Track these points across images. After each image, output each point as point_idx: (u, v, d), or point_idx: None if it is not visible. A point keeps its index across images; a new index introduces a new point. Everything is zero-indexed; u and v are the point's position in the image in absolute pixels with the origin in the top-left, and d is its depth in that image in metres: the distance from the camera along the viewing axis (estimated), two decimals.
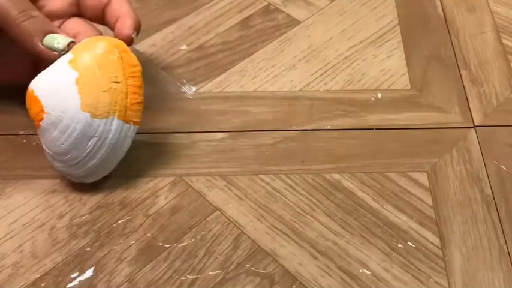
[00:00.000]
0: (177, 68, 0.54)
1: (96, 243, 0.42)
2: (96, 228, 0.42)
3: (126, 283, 0.40)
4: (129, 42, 0.46)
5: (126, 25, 0.46)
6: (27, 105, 0.43)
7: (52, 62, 0.43)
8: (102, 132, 0.41)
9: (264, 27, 0.57)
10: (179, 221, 0.43)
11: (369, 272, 0.40)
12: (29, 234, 0.42)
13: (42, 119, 0.42)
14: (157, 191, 0.45)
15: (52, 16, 0.47)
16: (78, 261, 0.41)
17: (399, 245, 0.42)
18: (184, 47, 0.56)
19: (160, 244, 0.42)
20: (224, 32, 0.57)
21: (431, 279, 0.40)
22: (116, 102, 0.41)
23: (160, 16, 0.58)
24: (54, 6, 0.48)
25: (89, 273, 0.40)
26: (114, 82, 0.41)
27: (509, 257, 0.41)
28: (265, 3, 0.60)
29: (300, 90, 0.52)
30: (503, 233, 0.42)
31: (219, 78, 0.53)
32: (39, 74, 0.43)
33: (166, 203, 0.44)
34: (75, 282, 0.40)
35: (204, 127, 0.49)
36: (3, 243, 0.42)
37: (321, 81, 0.52)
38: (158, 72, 0.53)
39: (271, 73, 0.53)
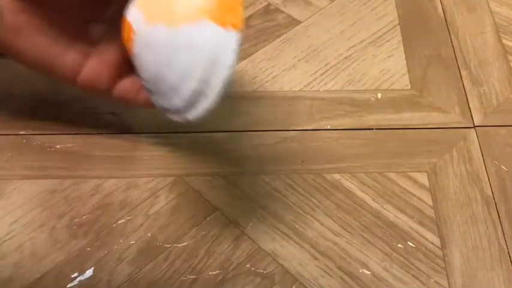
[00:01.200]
0: None
1: (96, 243, 0.42)
2: (96, 228, 0.42)
3: (126, 283, 0.40)
4: None
5: None
6: (122, 35, 0.36)
7: None
8: (194, 41, 0.32)
9: (264, 27, 0.57)
10: (179, 221, 0.43)
11: (369, 272, 0.40)
12: (29, 234, 0.42)
13: (132, 40, 0.34)
14: (157, 191, 0.45)
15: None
16: (78, 261, 0.41)
17: (399, 245, 0.42)
18: None
19: (160, 244, 0.42)
20: None
21: (431, 279, 0.40)
22: (205, 2, 0.32)
23: None
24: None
25: (89, 273, 0.40)
26: None
27: (509, 257, 0.41)
28: (265, 3, 0.60)
29: (300, 90, 0.52)
30: (503, 233, 0.42)
31: None
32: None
33: (166, 203, 0.44)
34: (75, 282, 0.40)
35: (204, 127, 0.49)
36: (3, 243, 0.42)
37: (321, 81, 0.52)
38: None
39: (271, 73, 0.53)
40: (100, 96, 0.42)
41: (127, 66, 0.39)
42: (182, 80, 0.34)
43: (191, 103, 0.35)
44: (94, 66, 0.41)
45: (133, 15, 0.34)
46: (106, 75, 0.41)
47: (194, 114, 0.35)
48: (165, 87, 0.34)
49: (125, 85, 0.41)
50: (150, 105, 0.39)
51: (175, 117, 0.36)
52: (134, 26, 0.34)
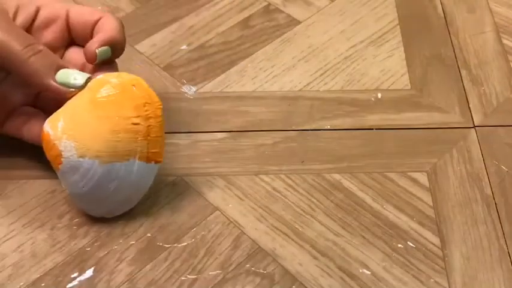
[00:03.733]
0: (177, 68, 0.54)
1: (96, 243, 0.42)
2: (96, 228, 0.42)
3: (126, 283, 0.40)
4: (91, 58, 0.42)
5: (94, 39, 0.42)
6: (44, 147, 0.41)
7: (64, 99, 0.41)
8: (123, 175, 0.40)
9: (264, 27, 0.57)
10: (179, 221, 0.43)
11: (369, 272, 0.40)
12: (29, 234, 0.42)
13: (61, 163, 0.40)
14: (157, 191, 0.45)
15: (49, 49, 0.42)
16: (78, 261, 0.41)
17: (399, 245, 0.42)
18: (184, 47, 0.56)
19: (160, 244, 0.42)
20: (224, 32, 0.57)
21: (431, 279, 0.40)
22: (136, 145, 0.40)
23: (160, 16, 0.58)
24: (47, 38, 0.44)
25: (89, 273, 0.40)
26: (133, 124, 0.39)
27: (509, 257, 0.41)
28: (265, 3, 0.60)
29: (300, 90, 0.52)
30: (503, 233, 0.42)
31: (219, 78, 0.53)
32: (53, 114, 0.41)
33: (166, 203, 0.44)
34: (75, 282, 0.40)
35: (204, 127, 0.49)
36: (3, 243, 0.42)
37: (321, 81, 0.52)
38: (158, 72, 0.53)
39: (271, 73, 0.53)
40: None
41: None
42: (110, 199, 0.41)
43: (114, 210, 0.42)
44: None
45: (63, 144, 0.40)
46: None
47: (115, 215, 0.43)
48: (92, 203, 0.42)
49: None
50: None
51: (94, 214, 0.43)
52: (64, 154, 0.40)
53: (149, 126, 0.40)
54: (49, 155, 0.41)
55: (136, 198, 0.42)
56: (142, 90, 0.41)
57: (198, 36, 0.57)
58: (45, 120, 0.41)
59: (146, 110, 0.40)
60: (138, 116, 0.40)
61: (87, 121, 0.39)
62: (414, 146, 0.48)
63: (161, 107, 0.41)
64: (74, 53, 0.45)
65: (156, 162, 0.41)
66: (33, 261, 0.41)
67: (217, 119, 0.49)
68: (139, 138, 0.40)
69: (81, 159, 0.39)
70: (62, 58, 0.45)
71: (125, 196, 0.41)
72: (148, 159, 0.40)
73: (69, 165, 0.40)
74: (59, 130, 0.40)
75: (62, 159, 0.40)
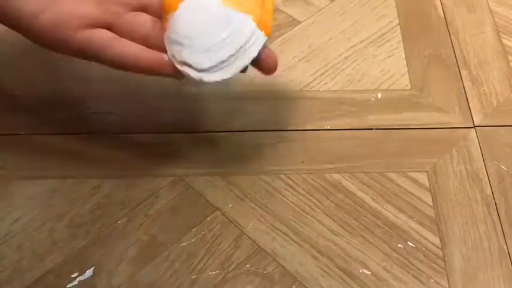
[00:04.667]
0: None
1: (96, 243, 0.42)
2: (96, 228, 0.42)
3: (126, 283, 0.40)
4: None
5: None
6: None
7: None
8: (237, 27, 0.41)
9: None
10: (179, 221, 0.43)
11: (369, 272, 0.40)
12: (29, 234, 0.42)
13: (182, 1, 0.41)
14: (157, 191, 0.45)
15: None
16: (78, 261, 0.41)
17: (399, 245, 0.42)
18: None
19: (160, 244, 0.42)
20: None
21: (431, 280, 0.40)
22: (253, 6, 0.41)
23: None
24: None
25: (89, 273, 0.40)
26: None
27: (509, 257, 0.41)
28: None
29: (300, 90, 0.52)
30: (503, 233, 0.42)
31: None
32: None
33: (166, 203, 0.44)
34: (75, 282, 0.40)
35: (204, 127, 0.49)
36: (3, 243, 0.42)
37: (321, 81, 0.52)
38: None
39: None
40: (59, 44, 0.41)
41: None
42: (220, 46, 0.40)
43: (215, 68, 0.41)
44: (62, 12, 0.41)
45: None
46: (68, 22, 0.40)
47: (211, 79, 0.41)
48: (203, 46, 0.40)
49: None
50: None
51: (192, 74, 0.41)
52: None
53: (264, 0, 0.42)
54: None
55: (237, 62, 0.41)
56: None
57: None
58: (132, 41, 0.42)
59: None
60: None
61: None
62: (414, 146, 0.48)
63: None
64: None
65: (266, 34, 0.42)
66: (33, 261, 0.41)
67: (217, 119, 0.49)
68: (258, 3, 0.42)
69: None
70: None
71: (230, 51, 0.41)
72: (259, 25, 0.41)
73: (192, 3, 0.41)
74: None
75: None
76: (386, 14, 0.59)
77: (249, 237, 0.42)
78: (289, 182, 0.45)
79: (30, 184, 0.45)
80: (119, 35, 0.42)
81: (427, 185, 0.45)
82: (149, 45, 0.42)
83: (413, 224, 0.43)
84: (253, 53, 0.41)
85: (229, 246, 0.42)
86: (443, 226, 0.43)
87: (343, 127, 0.49)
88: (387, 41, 0.56)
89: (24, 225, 0.43)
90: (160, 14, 0.42)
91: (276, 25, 0.57)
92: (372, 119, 0.49)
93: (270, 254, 0.41)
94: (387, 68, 0.54)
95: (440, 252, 0.41)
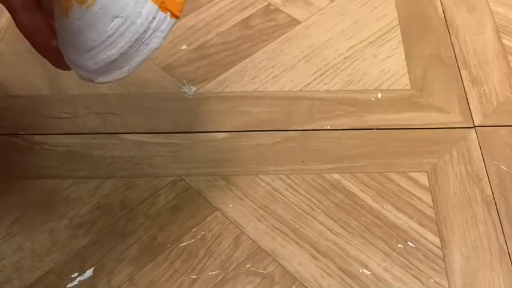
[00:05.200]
0: (177, 68, 0.54)
1: (96, 243, 0.42)
2: (96, 228, 0.42)
3: (126, 283, 0.40)
4: None
5: None
6: None
7: None
8: (129, 13, 0.32)
9: (264, 27, 0.57)
10: (179, 221, 0.43)
11: (369, 272, 0.40)
12: (29, 234, 0.42)
13: None
14: (157, 191, 0.45)
15: None
16: (78, 261, 0.41)
17: (399, 245, 0.42)
18: (184, 47, 0.56)
19: (160, 244, 0.42)
20: (224, 32, 0.57)
21: (431, 279, 0.40)
22: None
23: None
24: None
25: (89, 273, 0.40)
26: None
27: (509, 257, 0.41)
28: (265, 3, 0.60)
29: (300, 90, 0.52)
30: (503, 233, 0.42)
31: (219, 78, 0.53)
32: None
33: (166, 203, 0.44)
34: (75, 282, 0.40)
35: (204, 127, 0.49)
36: (3, 243, 0.42)
37: (321, 81, 0.52)
38: (158, 72, 0.53)
39: (271, 73, 0.53)
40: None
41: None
42: (107, 44, 0.33)
43: (104, 70, 0.34)
44: None
45: None
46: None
47: (103, 80, 0.35)
48: (84, 46, 0.33)
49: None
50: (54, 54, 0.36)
51: (81, 74, 0.35)
52: None
53: None
54: None
55: (135, 58, 0.34)
56: None
57: (198, 36, 0.57)
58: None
59: None
60: None
61: None
62: (414, 146, 0.48)
63: None
64: None
65: (173, 15, 0.33)
66: (33, 261, 0.41)
67: (217, 119, 0.49)
68: None
69: None
70: None
71: (124, 47, 0.33)
72: (163, 8, 0.33)
73: None
74: None
75: None
76: (386, 14, 0.59)
77: (249, 237, 0.42)
78: (289, 182, 0.45)
79: (30, 184, 0.45)
80: None
81: (427, 185, 0.45)
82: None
83: (413, 224, 0.43)
84: (154, 45, 0.33)
85: (229, 246, 0.42)
86: (443, 226, 0.43)
87: (343, 127, 0.49)
88: (387, 41, 0.56)
89: (24, 225, 0.43)
90: None
91: (276, 25, 0.58)
92: (372, 119, 0.49)
93: (270, 254, 0.41)
94: (387, 68, 0.54)
95: (440, 252, 0.41)
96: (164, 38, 0.33)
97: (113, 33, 0.33)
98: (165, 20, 0.33)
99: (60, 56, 0.36)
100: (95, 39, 0.33)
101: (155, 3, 0.32)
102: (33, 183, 0.45)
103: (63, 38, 0.34)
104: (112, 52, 0.33)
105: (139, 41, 0.33)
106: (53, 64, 0.37)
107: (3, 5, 0.38)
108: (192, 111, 0.50)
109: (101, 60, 0.33)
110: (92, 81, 0.35)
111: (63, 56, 0.35)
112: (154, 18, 0.33)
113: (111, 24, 0.32)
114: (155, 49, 0.33)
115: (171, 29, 0.33)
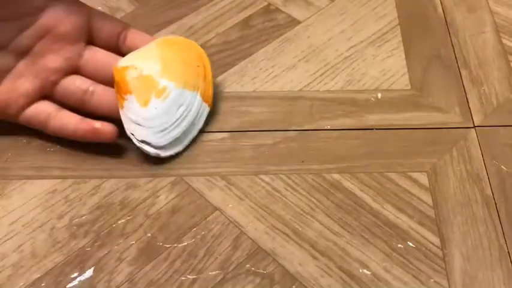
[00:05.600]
0: None
1: (96, 243, 0.42)
2: (96, 228, 0.42)
3: (126, 283, 0.40)
4: None
5: None
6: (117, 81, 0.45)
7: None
8: (189, 103, 0.46)
9: (264, 27, 0.57)
10: (179, 221, 0.43)
11: (369, 272, 0.40)
12: (29, 234, 0.42)
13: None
14: (157, 191, 0.45)
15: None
16: (78, 261, 0.41)
17: (399, 245, 0.42)
18: None
19: (160, 244, 0.42)
20: (224, 32, 0.57)
21: (431, 279, 0.40)
22: (199, 80, 0.47)
23: (160, 16, 0.58)
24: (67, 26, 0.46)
25: (89, 273, 0.40)
26: (197, 66, 0.47)
27: (509, 257, 0.41)
28: (265, 3, 0.60)
29: (300, 90, 0.52)
30: (503, 233, 0.42)
31: (219, 78, 0.53)
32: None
33: (166, 203, 0.44)
34: (75, 282, 0.40)
35: (204, 127, 0.49)
36: (3, 243, 0.42)
37: (321, 81, 0.52)
38: None
39: (271, 73, 0.53)
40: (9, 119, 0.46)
41: (39, 96, 0.46)
42: (174, 126, 0.45)
43: (170, 145, 0.45)
44: (5, 91, 0.45)
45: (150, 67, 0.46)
46: (15, 101, 0.45)
47: (167, 154, 0.46)
48: (160, 127, 0.45)
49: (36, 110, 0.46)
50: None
51: (150, 150, 0.45)
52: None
53: (205, 71, 0.48)
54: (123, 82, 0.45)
55: (189, 136, 0.47)
56: (196, 46, 0.50)
57: (198, 36, 0.57)
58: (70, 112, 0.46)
59: (203, 59, 0.48)
60: (199, 60, 0.48)
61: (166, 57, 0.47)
62: (414, 146, 0.48)
63: (210, 62, 0.49)
64: (95, 53, 0.47)
65: (208, 105, 0.48)
66: (33, 261, 0.41)
67: (217, 119, 0.49)
68: (201, 78, 0.47)
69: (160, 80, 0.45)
70: (82, 52, 0.47)
71: (184, 127, 0.46)
72: (204, 98, 0.47)
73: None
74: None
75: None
76: (386, 14, 0.59)
77: (249, 237, 0.42)
78: (289, 182, 0.45)
79: (30, 184, 0.45)
80: (57, 102, 0.46)
81: (427, 185, 0.45)
82: (85, 107, 0.46)
83: (413, 224, 0.43)
84: (200, 125, 0.47)
85: (229, 246, 0.42)
86: (443, 226, 0.43)
87: (343, 127, 0.49)
88: (387, 41, 0.56)
89: (24, 225, 0.43)
90: (92, 74, 0.47)
91: (276, 25, 0.58)
92: (372, 119, 0.49)
93: (270, 254, 0.41)
94: (387, 68, 0.54)
95: (440, 252, 0.41)
96: (203, 122, 0.47)
97: (179, 117, 0.45)
98: (205, 108, 0.48)
99: (105, 133, 0.45)
100: (168, 122, 0.45)
101: (201, 95, 0.47)
102: (33, 183, 0.45)
103: (137, 123, 0.44)
104: (178, 131, 0.45)
105: (193, 122, 0.46)
106: (97, 140, 0.46)
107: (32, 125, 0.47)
108: None
109: (170, 137, 0.45)
110: (159, 155, 0.45)
111: (110, 132, 0.45)
112: (200, 106, 0.47)
113: (178, 111, 0.45)
114: (200, 128, 0.47)
115: (207, 114, 0.48)
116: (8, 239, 0.42)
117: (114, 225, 0.43)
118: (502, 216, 0.43)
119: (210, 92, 0.48)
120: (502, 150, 0.47)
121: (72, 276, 0.40)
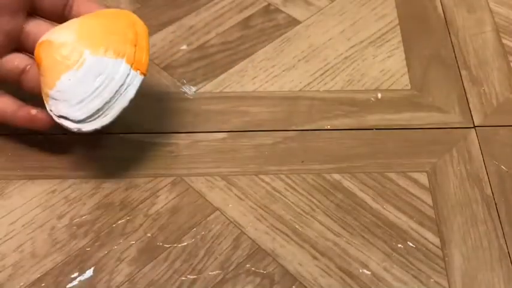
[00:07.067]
0: (177, 68, 0.54)
1: (96, 243, 0.42)
2: (96, 228, 0.42)
3: (126, 283, 0.40)
4: None
5: None
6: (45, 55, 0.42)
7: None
8: (111, 71, 0.42)
9: (264, 27, 0.57)
10: (179, 221, 0.43)
11: (369, 272, 0.40)
12: (29, 234, 0.42)
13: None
14: (157, 191, 0.45)
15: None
16: (78, 261, 0.41)
17: (399, 245, 0.42)
18: (184, 47, 0.56)
19: (160, 244, 0.42)
20: (224, 32, 0.57)
21: (431, 279, 0.40)
22: (126, 46, 0.42)
23: (160, 16, 0.58)
24: None
25: (89, 273, 0.40)
26: (124, 33, 0.43)
27: (509, 257, 0.41)
28: (265, 3, 0.60)
29: (300, 90, 0.52)
30: (503, 233, 0.42)
31: (219, 78, 0.53)
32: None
33: (166, 203, 0.44)
34: (75, 282, 0.40)
35: (204, 127, 0.49)
36: (3, 243, 0.42)
37: (321, 81, 0.52)
38: (158, 72, 0.53)
39: (271, 73, 0.53)
40: None
41: None
42: (92, 97, 0.41)
43: (93, 117, 0.42)
44: None
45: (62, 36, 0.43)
46: None
47: (89, 127, 0.42)
48: (74, 99, 0.41)
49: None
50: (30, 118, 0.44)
51: (70, 125, 0.42)
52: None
53: (137, 38, 0.43)
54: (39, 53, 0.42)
55: (115, 107, 0.42)
56: (131, 15, 0.46)
57: (198, 36, 0.57)
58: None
59: (136, 27, 0.44)
60: (130, 28, 0.44)
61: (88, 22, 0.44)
62: (414, 146, 0.48)
63: (147, 30, 0.45)
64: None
65: (142, 73, 0.43)
66: (33, 261, 0.41)
67: (217, 119, 0.49)
68: (128, 44, 0.43)
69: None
70: (23, 24, 0.44)
71: (106, 98, 0.41)
72: (134, 65, 0.43)
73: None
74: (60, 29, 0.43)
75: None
76: (386, 14, 0.59)
77: (249, 237, 0.42)
78: (289, 182, 0.45)
79: (30, 184, 0.45)
80: None
81: (427, 185, 0.45)
82: (23, 87, 0.45)
83: (413, 224, 0.43)
84: (130, 95, 0.42)
85: (229, 246, 0.42)
86: (443, 226, 0.43)
87: (343, 127, 0.49)
88: (387, 41, 0.56)
89: (24, 225, 0.43)
90: (33, 50, 0.43)
91: (276, 25, 0.58)
92: (372, 119, 0.49)
93: (270, 254, 0.41)
94: (387, 68, 0.54)
95: (440, 252, 0.41)
96: (137, 90, 0.42)
97: (98, 86, 0.41)
98: (136, 76, 0.43)
99: (42, 120, 0.43)
100: (85, 92, 0.41)
101: (128, 63, 0.42)
102: (33, 183, 0.45)
103: (54, 98, 0.42)
104: (98, 102, 0.41)
105: (118, 92, 0.42)
106: (35, 127, 0.44)
107: None
108: (192, 111, 0.50)
109: (89, 109, 0.41)
110: (81, 130, 0.42)
111: (46, 118, 0.43)
112: (128, 74, 0.42)
113: (97, 80, 0.41)
114: (131, 99, 0.42)
115: (141, 83, 0.43)
116: (8, 239, 0.42)
117: (114, 225, 0.43)
118: (502, 216, 0.43)
119: (144, 59, 0.43)
120: (502, 150, 0.47)
121: (72, 276, 0.40)
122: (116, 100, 0.42)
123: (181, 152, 0.47)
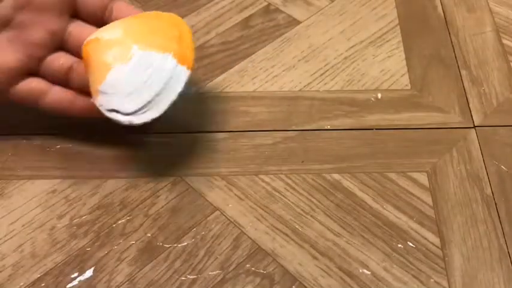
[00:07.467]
0: None
1: (96, 243, 0.42)
2: (96, 228, 0.42)
3: (126, 283, 0.40)
4: None
5: None
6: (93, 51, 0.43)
7: None
8: (158, 65, 0.42)
9: (264, 27, 0.57)
10: (179, 221, 0.43)
11: (369, 272, 0.40)
12: (29, 234, 0.42)
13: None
14: (157, 191, 0.45)
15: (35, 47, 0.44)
16: (78, 261, 0.41)
17: (399, 245, 0.42)
18: None
19: (160, 244, 0.42)
20: (224, 32, 0.57)
21: (431, 279, 0.40)
22: (172, 43, 0.43)
23: None
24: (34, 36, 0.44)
25: (89, 273, 0.40)
26: (169, 31, 0.44)
27: (509, 257, 0.41)
28: (265, 3, 0.60)
29: (300, 90, 0.52)
30: (503, 233, 0.42)
31: (219, 78, 0.53)
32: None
33: (166, 203, 0.44)
34: (75, 282, 0.40)
35: (204, 127, 0.49)
36: (3, 243, 0.42)
37: (321, 81, 0.52)
38: None
39: (271, 73, 0.53)
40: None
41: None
42: (142, 89, 0.42)
43: (143, 110, 0.42)
44: None
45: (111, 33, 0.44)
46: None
47: (140, 120, 0.42)
48: (125, 92, 0.42)
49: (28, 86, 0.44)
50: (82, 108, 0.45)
51: (121, 119, 0.42)
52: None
53: (181, 35, 0.44)
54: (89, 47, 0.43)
55: (164, 100, 0.43)
56: (174, 17, 0.47)
57: (198, 36, 0.57)
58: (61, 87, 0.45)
59: (180, 27, 0.45)
60: (173, 28, 0.45)
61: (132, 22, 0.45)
62: (414, 146, 0.48)
63: (191, 31, 0.46)
64: (79, 27, 0.46)
65: (187, 67, 0.43)
66: (33, 261, 0.41)
67: (217, 119, 0.49)
68: (174, 41, 0.44)
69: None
70: (66, 27, 0.45)
71: (155, 90, 0.42)
72: (180, 60, 0.43)
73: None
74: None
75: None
76: (386, 14, 0.59)
77: (249, 237, 0.42)
78: (289, 182, 0.45)
79: (30, 184, 0.45)
80: (44, 79, 0.45)
81: (427, 185, 0.45)
82: (69, 85, 0.45)
83: (413, 224, 0.43)
84: (178, 88, 0.43)
85: (229, 246, 0.42)
86: (443, 226, 0.43)
87: (343, 127, 0.49)
88: (387, 41, 0.56)
89: (24, 225, 0.43)
90: (76, 51, 0.45)
91: (276, 25, 0.58)
92: (372, 119, 0.49)
93: (270, 254, 0.41)
94: (387, 68, 0.54)
95: (440, 252, 0.41)
96: (184, 83, 0.43)
97: (147, 79, 0.42)
98: (182, 70, 0.43)
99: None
100: (135, 85, 0.42)
101: (174, 58, 0.43)
102: (33, 183, 0.45)
103: (104, 92, 0.42)
104: (149, 94, 0.42)
105: (167, 85, 0.42)
106: (92, 117, 0.44)
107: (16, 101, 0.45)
108: (192, 111, 0.50)
109: (140, 101, 0.42)
110: (132, 122, 0.42)
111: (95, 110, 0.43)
112: (175, 68, 0.43)
113: (145, 73, 0.42)
114: (178, 91, 0.43)
115: (188, 77, 0.43)
116: (8, 239, 0.42)
117: (114, 225, 0.43)
118: (502, 216, 0.43)
119: (189, 54, 0.44)
120: (502, 150, 0.47)
121: (72, 276, 0.40)
122: (165, 93, 0.42)
123: (182, 152, 0.47)
